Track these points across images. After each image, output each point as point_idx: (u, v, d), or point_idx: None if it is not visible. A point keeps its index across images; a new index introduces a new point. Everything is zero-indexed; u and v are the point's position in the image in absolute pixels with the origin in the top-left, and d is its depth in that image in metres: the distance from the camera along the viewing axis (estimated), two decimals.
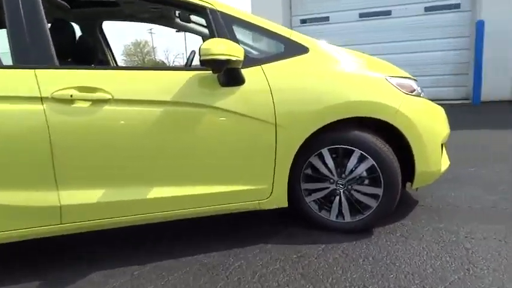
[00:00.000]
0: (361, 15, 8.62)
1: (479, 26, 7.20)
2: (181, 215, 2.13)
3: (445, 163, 2.49)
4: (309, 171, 2.29)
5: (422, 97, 2.42)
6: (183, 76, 2.07)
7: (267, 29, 2.22)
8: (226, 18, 2.15)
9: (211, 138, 2.07)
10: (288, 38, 2.22)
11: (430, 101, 2.47)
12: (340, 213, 2.32)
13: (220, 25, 2.13)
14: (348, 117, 2.16)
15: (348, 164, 2.23)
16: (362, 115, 2.17)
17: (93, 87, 1.93)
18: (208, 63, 1.89)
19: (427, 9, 8.10)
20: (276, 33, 2.23)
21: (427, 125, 2.29)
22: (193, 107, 2.04)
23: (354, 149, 2.20)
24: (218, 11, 2.16)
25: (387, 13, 8.39)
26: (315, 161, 2.26)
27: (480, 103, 7.45)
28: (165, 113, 2.01)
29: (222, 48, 1.87)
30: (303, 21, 9.13)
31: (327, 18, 8.93)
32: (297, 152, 2.15)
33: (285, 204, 2.24)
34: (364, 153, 2.19)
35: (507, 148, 4.09)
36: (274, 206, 2.22)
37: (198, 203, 2.13)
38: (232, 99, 2.06)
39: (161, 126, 2.00)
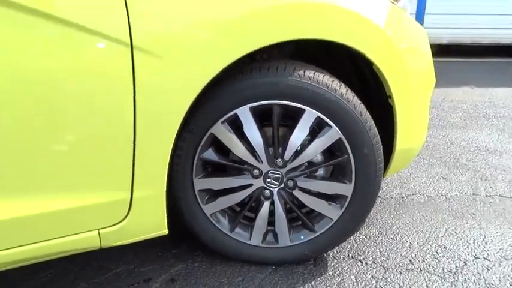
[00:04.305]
0: None
1: None
2: None
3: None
4: (210, 154, 1.11)
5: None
6: None
7: None
8: None
9: None
10: None
11: (413, 19, 1.44)
12: (271, 232, 1.21)
13: None
14: (284, 40, 0.99)
15: (292, 139, 1.10)
16: (320, 37, 1.02)
17: None
18: None
19: None
20: None
21: (417, 64, 1.25)
22: None
23: (304, 107, 1.06)
24: None
25: None
26: (222, 133, 1.07)
27: None
28: None
29: None
30: None
31: None
32: (184, 116, 0.95)
33: (163, 230, 1.04)
34: (324, 117, 1.07)
35: None
36: (136, 238, 1.01)
37: None
38: None
39: None
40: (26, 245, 0.88)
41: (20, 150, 0.84)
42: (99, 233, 0.94)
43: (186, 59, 0.89)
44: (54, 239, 0.90)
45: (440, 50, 6.57)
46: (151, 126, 0.90)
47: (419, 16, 6.00)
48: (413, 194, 1.69)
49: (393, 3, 1.21)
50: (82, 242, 0.93)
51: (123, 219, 0.95)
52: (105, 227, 0.94)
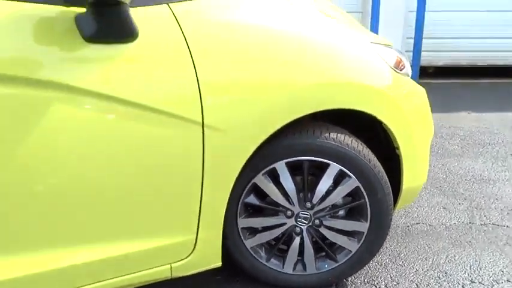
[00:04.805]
0: None
1: None
2: None
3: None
4: (251, 198, 1.36)
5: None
6: None
7: None
8: None
9: (64, 152, 1.00)
10: None
11: (415, 82, 1.71)
12: (300, 261, 1.45)
13: None
14: (319, 110, 1.25)
15: (319, 187, 1.35)
16: (341, 106, 1.29)
17: None
18: None
19: None
20: None
21: (419, 119, 1.51)
22: (23, 88, 0.94)
23: (329, 162, 1.32)
24: None
25: None
26: (262, 182, 1.32)
27: None
28: None
29: None
30: None
31: None
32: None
33: (218, 262, 1.29)
34: (345, 169, 1.33)
35: None
36: (198, 270, 1.25)
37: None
38: (111, 72, 1.00)
39: None
40: (117, 277, 1.12)
41: (115, 206, 1.09)
42: (171, 267, 1.19)
43: (244, 130, 1.15)
44: (138, 272, 1.15)
45: (437, 72, 6.85)
46: (215, 184, 1.16)
47: (417, 41, 6.29)
48: (417, 223, 1.94)
49: (397, 72, 1.47)
50: (158, 273, 1.17)
51: (189, 255, 1.20)
52: (175, 262, 1.19)
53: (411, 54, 6.66)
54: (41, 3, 0.96)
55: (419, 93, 1.59)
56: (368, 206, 1.37)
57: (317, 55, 1.24)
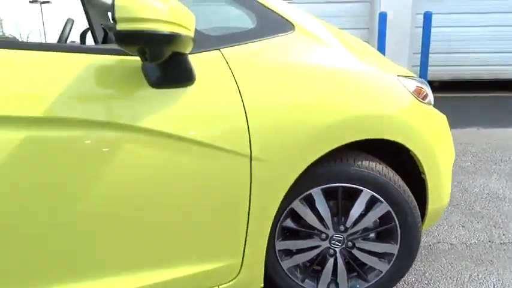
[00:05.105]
0: None
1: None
2: None
3: None
4: (288, 222, 1.44)
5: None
6: (71, 65, 1.05)
7: None
8: None
9: (131, 186, 1.09)
10: (262, 5, 1.30)
11: (437, 110, 1.80)
12: (333, 281, 1.53)
13: None
14: (355, 140, 1.35)
15: (352, 211, 1.43)
16: (376, 136, 1.38)
17: None
18: (131, 40, 0.90)
19: None
20: None
21: (442, 145, 1.60)
22: (96, 130, 1.04)
23: (362, 188, 1.41)
24: None
25: None
26: (299, 207, 1.41)
27: None
28: (39, 143, 0.98)
29: (161, 9, 0.89)
30: None
31: None
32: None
33: (260, 284, 1.37)
34: (377, 195, 1.42)
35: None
36: None
37: None
38: (173, 113, 1.10)
39: (36, 172, 0.98)
40: None
41: (170, 232, 1.18)
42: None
43: (288, 161, 1.24)
44: None
45: (442, 86, 6.93)
46: (260, 211, 1.24)
47: (424, 56, 6.42)
48: (438, 242, 2.01)
49: (422, 102, 1.56)
50: None
51: (235, 277, 1.28)
52: (223, 283, 1.27)
53: (418, 69, 6.78)
54: (110, 54, 1.06)
55: (441, 120, 1.68)
56: (398, 229, 1.45)
57: (355, 88, 1.34)
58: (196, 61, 1.14)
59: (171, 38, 0.91)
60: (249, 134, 1.18)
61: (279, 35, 1.29)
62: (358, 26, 7.36)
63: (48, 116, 1.00)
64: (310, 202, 1.42)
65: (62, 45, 1.05)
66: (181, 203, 1.15)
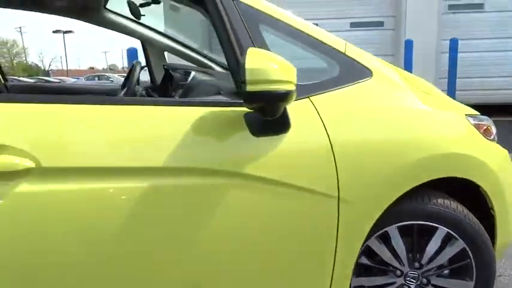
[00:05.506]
0: None
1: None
2: None
3: None
4: (363, 259, 1.48)
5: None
6: (180, 117, 1.15)
7: (312, 37, 1.34)
8: (250, 13, 1.23)
9: (234, 231, 1.16)
10: (344, 54, 1.38)
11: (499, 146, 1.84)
12: None
13: (239, 23, 1.20)
14: (431, 179, 1.39)
15: (428, 248, 1.46)
16: (451, 175, 1.42)
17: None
18: (258, 99, 1.01)
19: None
20: (326, 44, 1.37)
21: (507, 180, 1.63)
22: (202, 177, 1.13)
23: (437, 225, 1.44)
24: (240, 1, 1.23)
25: None
26: (375, 244, 1.45)
27: None
28: (146, 192, 1.06)
29: (277, 70, 0.98)
30: (452, 7, 7.14)
31: (480, 6, 7.15)
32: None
33: None
34: (453, 232, 1.45)
35: None
36: None
37: None
38: (271, 159, 1.17)
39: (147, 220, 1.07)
40: None
41: (265, 270, 1.23)
42: None
43: (372, 201, 1.29)
44: None
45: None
46: (345, 249, 1.29)
47: (451, 82, 6.44)
48: (499, 276, 2.00)
49: (488, 139, 1.60)
50: None
51: None
52: None
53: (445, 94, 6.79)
54: (218, 106, 1.16)
55: (504, 155, 1.71)
56: (474, 266, 1.47)
57: (438, 128, 1.41)
58: (290, 109, 1.22)
59: (286, 96, 1.00)
60: (337, 176, 1.24)
61: (360, 81, 1.36)
62: (383, 53, 7.45)
63: (170, 166, 1.09)
64: (385, 239, 1.46)
65: (177, 100, 1.16)
66: (277, 244, 1.20)
